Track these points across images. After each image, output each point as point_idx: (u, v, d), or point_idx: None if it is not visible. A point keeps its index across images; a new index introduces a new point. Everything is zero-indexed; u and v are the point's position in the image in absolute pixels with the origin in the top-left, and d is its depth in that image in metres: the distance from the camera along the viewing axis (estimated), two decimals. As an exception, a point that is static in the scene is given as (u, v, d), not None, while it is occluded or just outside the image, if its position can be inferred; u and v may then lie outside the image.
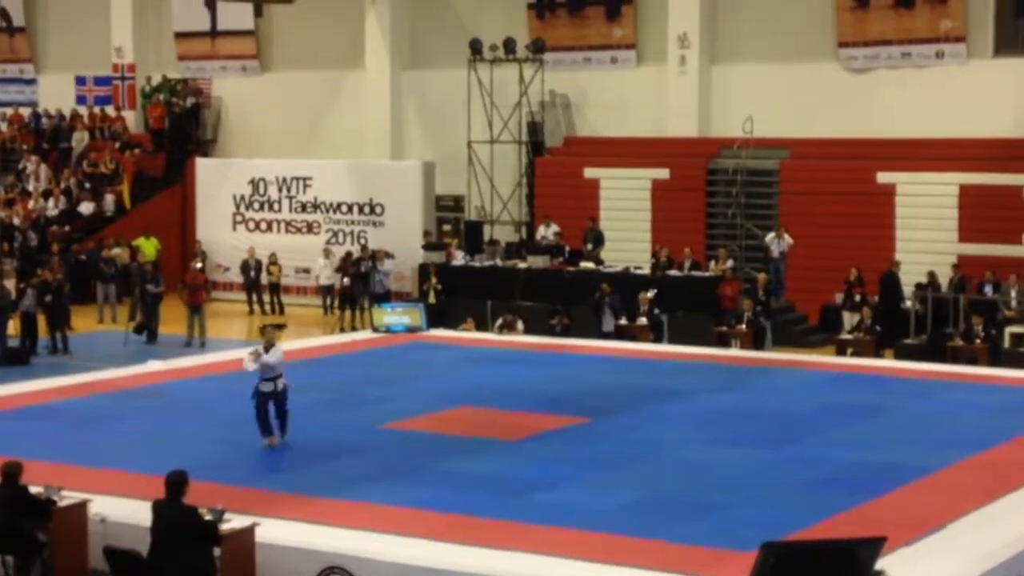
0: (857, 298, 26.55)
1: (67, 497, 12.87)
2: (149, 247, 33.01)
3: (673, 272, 28.15)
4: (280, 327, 18.23)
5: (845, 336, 25.44)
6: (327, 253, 31.77)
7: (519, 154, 33.15)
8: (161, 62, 38.77)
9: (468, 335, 25.97)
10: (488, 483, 14.62)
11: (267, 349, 16.27)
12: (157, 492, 11.86)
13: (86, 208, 35.91)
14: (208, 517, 11.82)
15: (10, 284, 27.25)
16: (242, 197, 34.54)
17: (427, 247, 31.11)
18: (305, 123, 36.65)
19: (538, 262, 29.56)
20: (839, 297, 27.30)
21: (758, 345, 25.28)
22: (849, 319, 26.16)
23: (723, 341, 25.32)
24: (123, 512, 13.00)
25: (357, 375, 21.54)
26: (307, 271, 33.11)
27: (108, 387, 20.29)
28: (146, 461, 14.94)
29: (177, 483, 11.68)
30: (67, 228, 34.84)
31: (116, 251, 31.72)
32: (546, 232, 30.74)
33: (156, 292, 27.60)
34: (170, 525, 11.58)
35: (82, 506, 12.91)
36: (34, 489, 12.71)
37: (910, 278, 27.03)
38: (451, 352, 23.80)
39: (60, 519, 12.64)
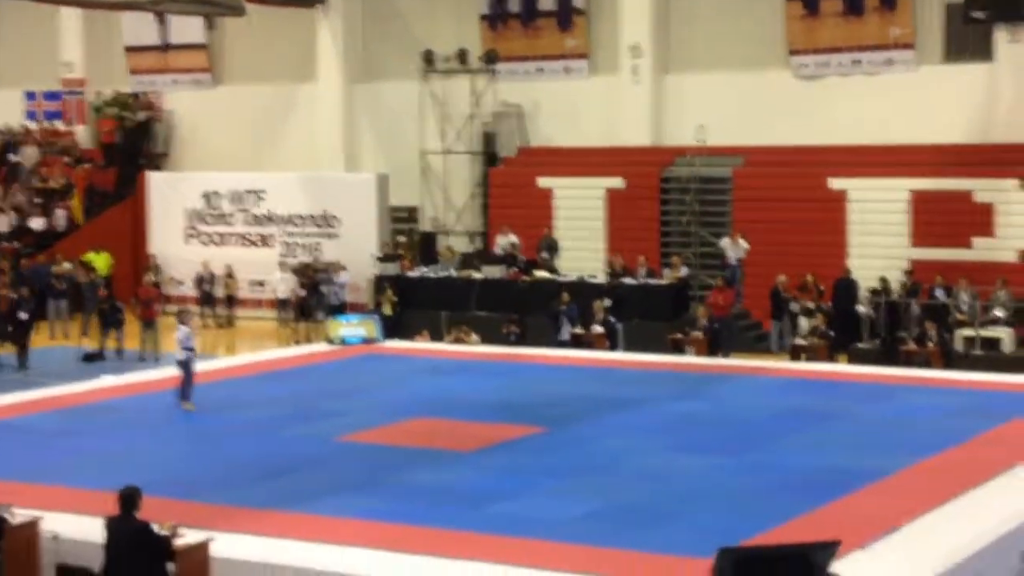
0: (811, 304, 26.70)
1: (19, 515, 12.73)
2: (101, 262, 32.79)
3: (628, 280, 28.21)
4: None
5: (800, 342, 25.57)
6: (283, 266, 31.63)
7: (473, 165, 33.15)
8: (112, 76, 38.52)
9: (424, 346, 25.92)
10: (445, 494, 14.57)
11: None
12: (110, 508, 11.75)
13: (37, 224, 35.62)
14: (162, 532, 11.72)
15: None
16: (195, 211, 34.38)
17: (382, 258, 31.05)
18: (258, 136, 36.50)
19: (493, 272, 29.54)
20: (794, 305, 27.37)
21: (713, 352, 25.37)
22: (806, 324, 26.27)
23: (678, 348, 25.38)
24: (76, 529, 12.87)
25: (313, 388, 21.43)
26: (262, 284, 32.96)
27: (61, 403, 20.09)
28: (99, 477, 14.80)
29: (130, 498, 11.58)
30: (17, 244, 34.53)
31: (66, 266, 31.46)
32: (504, 242, 30.73)
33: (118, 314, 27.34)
34: (123, 542, 11.47)
35: (34, 524, 12.77)
36: (-15, 507, 12.57)
37: (863, 283, 27.17)
38: (407, 363, 23.73)
39: (12, 537, 12.49)
